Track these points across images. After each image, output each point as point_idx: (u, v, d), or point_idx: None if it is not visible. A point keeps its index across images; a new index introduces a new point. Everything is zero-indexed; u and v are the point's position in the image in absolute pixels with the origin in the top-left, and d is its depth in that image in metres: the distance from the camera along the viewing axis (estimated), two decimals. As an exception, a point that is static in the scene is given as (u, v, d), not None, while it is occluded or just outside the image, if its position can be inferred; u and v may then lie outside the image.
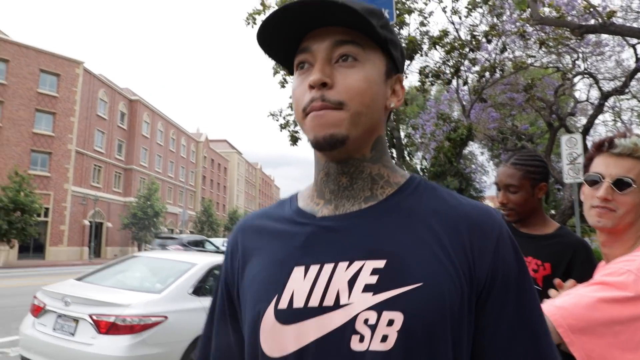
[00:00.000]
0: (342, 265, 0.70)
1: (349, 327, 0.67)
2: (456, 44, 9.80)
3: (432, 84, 11.06)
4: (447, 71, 10.57)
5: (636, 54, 12.93)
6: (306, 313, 0.69)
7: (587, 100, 17.15)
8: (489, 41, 10.04)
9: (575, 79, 15.21)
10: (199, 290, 5.15)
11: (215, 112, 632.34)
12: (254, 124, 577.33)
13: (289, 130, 11.15)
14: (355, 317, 0.67)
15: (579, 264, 1.65)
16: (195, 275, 5.23)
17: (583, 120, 17.57)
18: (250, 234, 0.83)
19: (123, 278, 5.38)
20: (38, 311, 4.64)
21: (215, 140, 78.78)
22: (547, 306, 1.10)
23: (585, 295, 1.12)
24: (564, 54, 13.84)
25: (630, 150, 1.26)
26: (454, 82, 11.95)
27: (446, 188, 0.81)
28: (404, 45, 9.66)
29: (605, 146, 1.31)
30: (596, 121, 15.59)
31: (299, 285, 0.71)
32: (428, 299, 0.67)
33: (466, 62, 10.82)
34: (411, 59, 9.95)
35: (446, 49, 9.87)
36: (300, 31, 0.73)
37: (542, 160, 1.84)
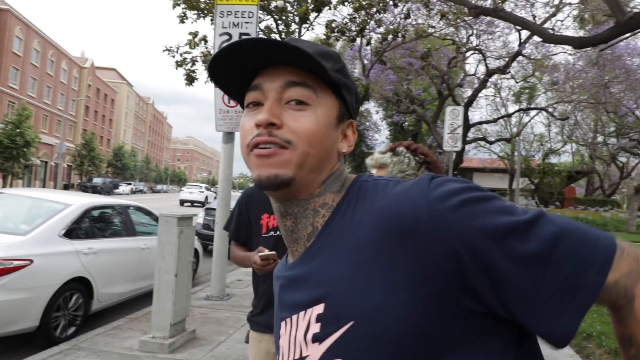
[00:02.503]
0: (301, 315, 0.70)
1: None
2: (364, 3, 9.84)
3: (337, 40, 11.07)
4: (353, 29, 10.64)
5: (520, 39, 14.15)
6: None
7: (474, 75, 18.54)
8: (395, 5, 10.23)
9: (468, 54, 16.29)
10: (71, 232, 4.81)
11: (104, 37, 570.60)
12: (148, 56, 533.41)
13: (185, 69, 10.48)
14: None
15: None
16: (69, 216, 4.86)
17: (469, 92, 19.01)
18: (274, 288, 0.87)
19: (-20, 216, 4.82)
20: None
21: (103, 68, 71.59)
22: None
23: None
24: (461, 28, 14.65)
25: (372, 165, 1.64)
26: (358, 40, 12.09)
27: (380, 179, 0.73)
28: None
29: None
30: (480, 95, 17.00)
31: (284, 340, 0.74)
32: (362, 338, 0.61)
33: (372, 23, 10.96)
34: (319, 11, 9.80)
35: (355, 5, 9.87)
36: (253, 67, 0.71)
37: None
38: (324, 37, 10.45)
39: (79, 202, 5.18)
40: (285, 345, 0.73)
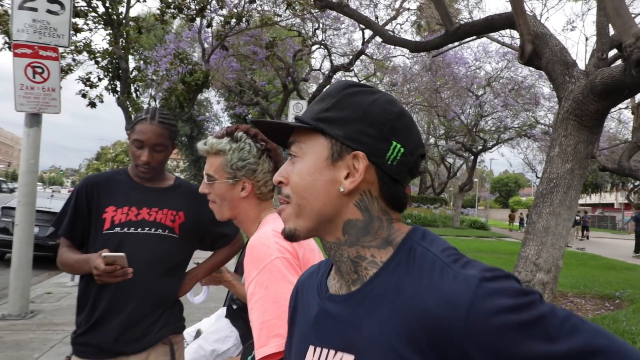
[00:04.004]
0: (331, 352, 0.79)
1: None
2: (205, -21, 9.63)
3: (174, 17, 10.64)
4: (192, 7, 10.32)
5: (363, 38, 15.33)
6: None
7: (319, 70, 19.53)
8: (240, -14, 10.22)
9: (314, 47, 17.07)
10: None
11: None
12: None
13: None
14: None
15: (205, 208, 1.99)
16: None
17: (314, 87, 19.97)
18: (300, 295, 0.96)
19: None
20: None
21: None
22: None
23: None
24: (308, 20, 15.29)
25: (205, 151, 1.61)
26: (198, 21, 11.77)
27: (428, 248, 0.76)
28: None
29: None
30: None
31: None
32: None
33: (214, 2, 10.77)
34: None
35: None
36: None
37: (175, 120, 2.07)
38: (158, 12, 9.95)
39: None
40: None
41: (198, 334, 2.63)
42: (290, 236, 0.83)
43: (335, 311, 0.81)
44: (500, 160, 64.88)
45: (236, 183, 1.58)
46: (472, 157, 28.30)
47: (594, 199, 55.09)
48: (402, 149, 0.78)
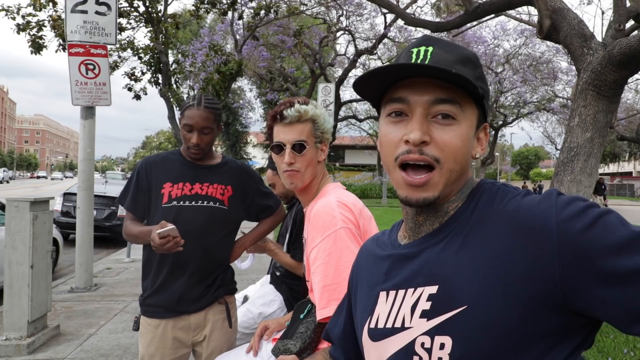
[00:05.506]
0: (410, 291, 0.76)
1: (410, 349, 0.73)
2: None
3: (208, 12, 10.65)
4: (224, 1, 10.32)
5: (385, 22, 15.04)
6: (385, 333, 0.78)
7: (344, 55, 19.29)
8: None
9: (338, 34, 16.86)
10: None
11: None
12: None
13: (29, 34, 9.18)
14: (414, 340, 0.72)
15: (249, 183, 2.12)
16: None
17: (340, 72, 19.77)
18: (364, 257, 0.96)
19: None
20: None
21: None
22: None
23: None
24: (332, 8, 15.08)
25: (296, 117, 1.54)
26: (230, 14, 11.77)
27: (507, 186, 0.78)
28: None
29: (277, 118, 1.58)
30: (350, 74, 17.79)
31: (382, 308, 0.81)
32: (473, 322, 0.67)
33: (243, -5, 10.74)
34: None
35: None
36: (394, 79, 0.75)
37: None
38: (193, 8, 9.99)
39: None
40: (383, 313, 0.80)
41: (245, 299, 2.72)
42: (424, 205, 0.75)
43: (411, 253, 0.80)
44: (521, 134, 63.41)
45: (318, 148, 1.59)
46: (493, 132, 27.65)
47: (612, 168, 53.18)
48: None
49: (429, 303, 0.72)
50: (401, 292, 0.78)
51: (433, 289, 0.73)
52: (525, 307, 0.65)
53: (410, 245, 0.81)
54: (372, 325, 0.83)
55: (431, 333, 0.71)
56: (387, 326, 0.78)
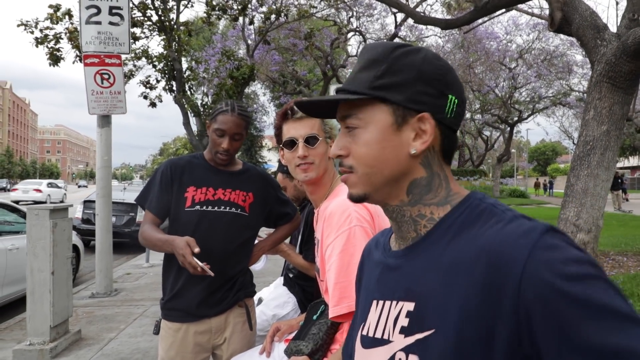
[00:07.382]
0: (393, 303, 0.77)
1: None
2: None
3: (219, 18, 10.74)
4: (235, 7, 10.39)
5: (395, 22, 14.97)
6: (373, 342, 0.79)
7: (356, 55, 19.24)
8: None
9: (349, 35, 16.85)
10: None
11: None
12: (1, 32, 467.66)
13: (47, 47, 9.38)
14: (394, 355, 0.74)
15: (269, 190, 2.13)
16: None
17: (352, 73, 19.67)
18: (366, 258, 0.97)
19: None
20: None
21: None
22: None
23: None
24: (342, 9, 15.07)
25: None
26: (241, 20, 11.85)
27: (495, 206, 0.73)
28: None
29: (288, 114, 1.61)
30: (361, 75, 17.72)
31: (372, 317, 0.82)
32: (437, 348, 0.67)
33: (254, 1, 10.80)
34: (198, -13, 9.39)
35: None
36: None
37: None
38: (205, 15, 10.09)
39: None
40: (373, 322, 0.81)
41: (259, 301, 2.71)
42: (360, 200, 0.80)
43: (395, 264, 0.81)
44: (537, 129, 62.32)
45: (328, 143, 1.62)
46: (509, 129, 27.29)
47: (633, 161, 52.07)
48: (456, 100, 0.77)
49: (407, 320, 0.73)
50: (387, 303, 0.79)
51: (410, 306, 0.74)
52: (491, 349, 0.62)
53: (394, 254, 0.83)
54: (364, 333, 0.83)
55: (406, 350, 0.72)
56: (375, 336, 0.80)
